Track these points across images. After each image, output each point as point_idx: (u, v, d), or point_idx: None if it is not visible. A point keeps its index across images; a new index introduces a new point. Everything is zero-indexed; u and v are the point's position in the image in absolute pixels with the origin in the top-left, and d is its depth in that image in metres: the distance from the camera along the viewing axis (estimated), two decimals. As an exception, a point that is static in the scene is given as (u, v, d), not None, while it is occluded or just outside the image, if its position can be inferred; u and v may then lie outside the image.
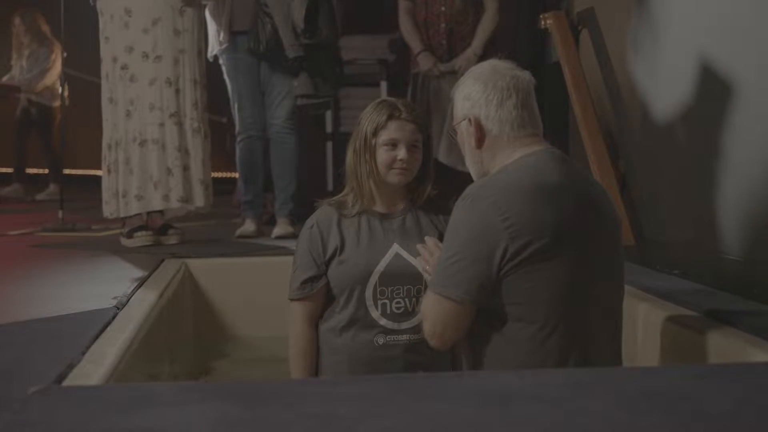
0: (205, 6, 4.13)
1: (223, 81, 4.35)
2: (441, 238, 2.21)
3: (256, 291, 3.38)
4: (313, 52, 4.15)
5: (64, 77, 5.04)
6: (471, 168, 2.00)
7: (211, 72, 4.39)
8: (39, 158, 7.31)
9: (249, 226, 4.23)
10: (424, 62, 4.62)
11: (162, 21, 3.72)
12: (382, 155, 2.20)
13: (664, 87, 3.17)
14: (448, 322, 1.83)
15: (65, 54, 5.09)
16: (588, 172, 2.02)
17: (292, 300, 2.27)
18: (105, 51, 3.81)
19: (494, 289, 1.81)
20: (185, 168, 3.76)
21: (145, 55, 3.72)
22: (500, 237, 1.78)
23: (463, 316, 1.83)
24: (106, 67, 3.80)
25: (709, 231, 2.81)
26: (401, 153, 2.19)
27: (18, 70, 7.09)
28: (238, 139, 4.33)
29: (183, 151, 3.76)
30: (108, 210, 3.82)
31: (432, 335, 1.86)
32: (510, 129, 1.91)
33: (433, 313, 1.84)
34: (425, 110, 4.65)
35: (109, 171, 3.80)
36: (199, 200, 3.79)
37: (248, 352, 3.35)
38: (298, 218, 4.22)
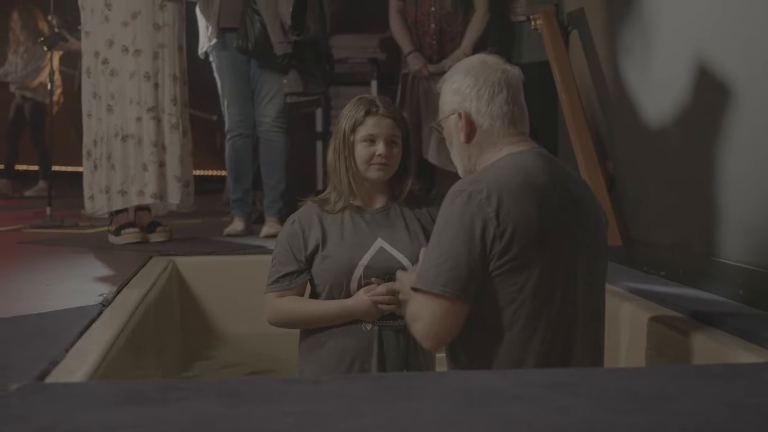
0: (193, 2, 4.13)
1: (213, 78, 4.34)
2: (424, 230, 2.22)
3: (243, 289, 3.38)
4: (302, 49, 4.15)
5: (56, 75, 5.02)
6: (457, 162, 1.98)
7: (201, 69, 4.39)
8: (29, 154, 7.29)
9: (237, 224, 4.22)
10: (414, 63, 4.62)
11: (142, 15, 3.72)
12: (361, 151, 2.21)
13: (654, 88, 3.18)
14: (444, 321, 1.79)
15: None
16: (575, 172, 2.01)
17: (267, 294, 2.26)
18: (86, 46, 3.81)
19: (480, 290, 1.80)
20: (161, 164, 3.75)
21: (125, 49, 3.71)
22: (490, 233, 1.77)
23: (460, 313, 1.80)
24: (87, 62, 3.80)
25: (696, 233, 2.82)
26: (380, 148, 2.20)
27: (13, 67, 7.06)
28: (228, 137, 4.32)
29: (159, 146, 3.75)
30: (94, 206, 3.81)
31: (427, 336, 1.82)
32: (501, 124, 1.90)
33: (428, 312, 1.80)
34: (415, 111, 4.65)
35: (95, 167, 3.78)
36: (174, 197, 3.78)
37: (235, 350, 3.34)
38: (287, 217, 4.21)
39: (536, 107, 3.91)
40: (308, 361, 2.26)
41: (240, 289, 3.40)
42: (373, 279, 2.14)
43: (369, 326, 2.18)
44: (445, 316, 1.80)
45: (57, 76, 6.85)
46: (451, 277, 1.77)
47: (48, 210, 4.71)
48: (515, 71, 1.94)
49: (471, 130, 1.91)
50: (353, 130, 2.21)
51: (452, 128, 1.94)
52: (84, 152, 3.83)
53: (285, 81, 4.17)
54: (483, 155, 1.92)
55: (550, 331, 1.82)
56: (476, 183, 1.82)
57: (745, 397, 1.39)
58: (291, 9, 4.05)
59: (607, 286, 2.02)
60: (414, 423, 1.23)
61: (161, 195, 3.75)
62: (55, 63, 6.23)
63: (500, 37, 4.95)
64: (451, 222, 1.81)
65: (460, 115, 1.91)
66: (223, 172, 6.07)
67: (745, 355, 1.96)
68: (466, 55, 4.42)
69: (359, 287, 2.19)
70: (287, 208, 4.20)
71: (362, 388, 1.42)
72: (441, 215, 1.85)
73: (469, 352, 1.86)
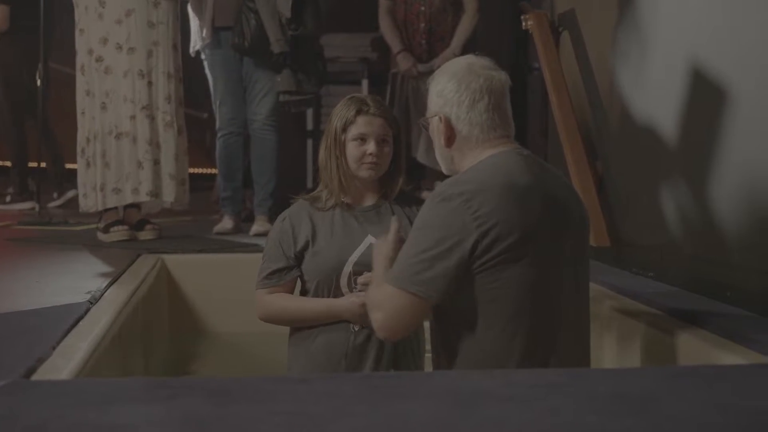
0: (185, 1, 4.12)
1: (205, 76, 4.33)
2: None
3: (232, 287, 3.37)
4: (296, 47, 4.14)
5: (46, 71, 4.98)
6: (441, 163, 2.01)
7: (192, 67, 4.38)
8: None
9: (227, 222, 4.22)
10: (403, 62, 4.62)
11: (136, 12, 3.71)
12: (352, 150, 2.22)
13: (644, 89, 3.18)
14: (404, 317, 1.83)
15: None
16: (558, 171, 2.02)
17: (258, 290, 2.26)
18: (80, 43, 3.79)
19: (461, 288, 1.81)
20: (155, 162, 3.74)
21: (119, 47, 3.70)
22: (471, 234, 1.78)
23: (422, 312, 1.84)
24: (81, 59, 3.79)
25: (685, 234, 2.83)
26: (370, 147, 2.21)
27: None
28: (218, 135, 4.31)
29: (154, 144, 3.74)
30: (87, 204, 3.80)
31: (383, 327, 1.84)
32: (479, 131, 1.91)
33: (391, 306, 1.82)
34: (404, 110, 4.65)
35: (88, 164, 3.78)
36: (169, 195, 3.77)
37: (223, 348, 3.34)
38: (276, 215, 4.21)
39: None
40: (297, 358, 2.27)
41: (229, 287, 3.40)
42: (365, 274, 2.14)
43: (357, 327, 2.19)
44: (407, 312, 1.82)
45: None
46: (426, 277, 1.79)
47: (36, 207, 4.69)
48: (500, 76, 1.94)
49: (451, 134, 1.93)
50: (344, 129, 2.22)
51: (435, 130, 1.97)
52: (78, 150, 3.82)
53: (278, 79, 4.16)
54: (464, 159, 1.94)
55: (533, 330, 1.83)
56: (457, 185, 1.84)
57: (733, 399, 1.39)
58: (291, 2, 4.05)
59: (594, 286, 2.04)
60: (403, 424, 1.23)
61: (156, 193, 3.75)
62: None
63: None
64: (430, 223, 1.83)
65: (440, 118, 1.93)
66: (213, 170, 6.07)
67: (730, 356, 1.97)
68: (456, 55, 4.43)
69: (348, 283, 2.20)
70: (277, 207, 4.19)
71: (351, 387, 1.43)
72: (420, 216, 1.87)
73: (453, 350, 1.87)
